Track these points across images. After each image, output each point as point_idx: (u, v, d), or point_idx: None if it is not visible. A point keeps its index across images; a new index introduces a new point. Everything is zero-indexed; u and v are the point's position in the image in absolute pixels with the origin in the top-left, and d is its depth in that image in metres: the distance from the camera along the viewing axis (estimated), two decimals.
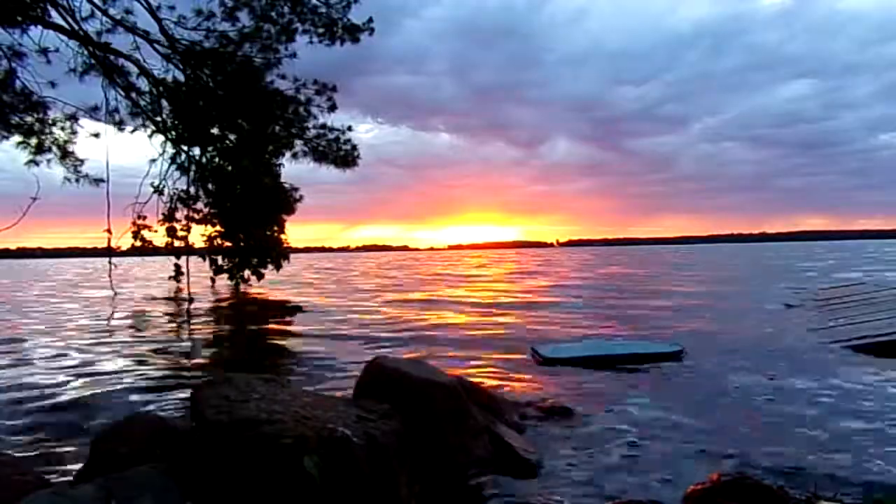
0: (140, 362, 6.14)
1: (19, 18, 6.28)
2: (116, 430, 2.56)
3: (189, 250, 8.17)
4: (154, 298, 15.35)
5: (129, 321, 10.41)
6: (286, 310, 12.22)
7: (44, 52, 6.74)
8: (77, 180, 7.52)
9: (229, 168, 8.05)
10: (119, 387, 4.97)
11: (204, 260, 9.33)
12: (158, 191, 7.68)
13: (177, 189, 8.01)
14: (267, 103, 7.66)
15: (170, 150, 7.82)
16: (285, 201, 9.21)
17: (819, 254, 41.76)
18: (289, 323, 10.14)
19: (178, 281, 8.16)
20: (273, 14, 7.36)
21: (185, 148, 7.90)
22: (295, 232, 10.82)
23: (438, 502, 2.52)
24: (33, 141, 7.20)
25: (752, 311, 9.42)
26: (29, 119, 7.14)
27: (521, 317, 9.73)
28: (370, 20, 7.58)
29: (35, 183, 6.18)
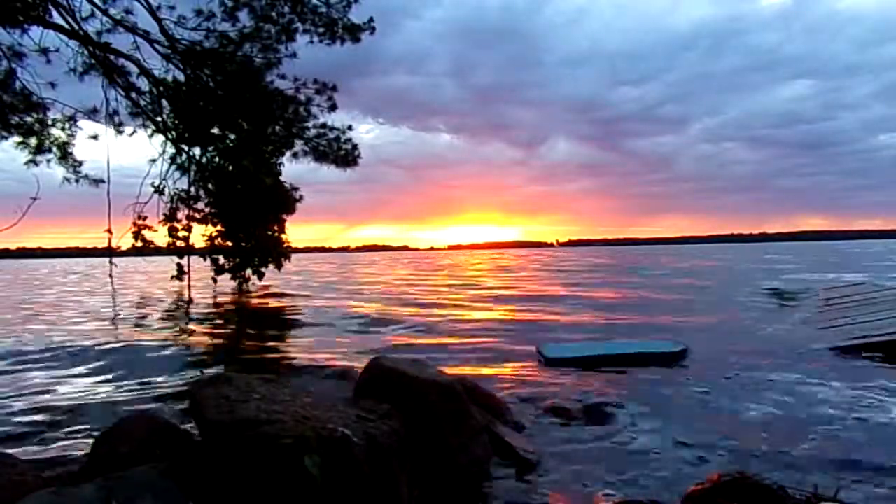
0: (140, 362, 6.14)
1: (19, 18, 6.28)
2: (116, 430, 2.56)
3: (190, 250, 8.18)
4: (155, 298, 15.36)
5: (128, 320, 10.41)
6: (287, 310, 12.22)
7: (44, 52, 6.75)
8: (77, 181, 7.53)
9: (230, 168, 8.05)
10: (119, 387, 4.97)
11: (205, 260, 9.34)
12: (159, 191, 7.69)
13: (177, 189, 8.02)
14: (267, 103, 7.67)
15: (170, 150, 7.83)
16: (286, 201, 9.23)
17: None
18: (289, 323, 10.14)
19: (181, 280, 8.17)
20: (273, 14, 7.36)
21: (186, 148, 7.91)
22: (295, 232, 10.84)
23: (438, 502, 2.52)
24: (33, 141, 7.21)
25: (751, 310, 9.43)
26: (29, 119, 7.14)
27: (522, 315, 9.74)
28: (370, 20, 7.59)
29: (35, 183, 6.18)
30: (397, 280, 22.96)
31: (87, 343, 7.54)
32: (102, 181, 7.42)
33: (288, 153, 8.55)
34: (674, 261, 36.63)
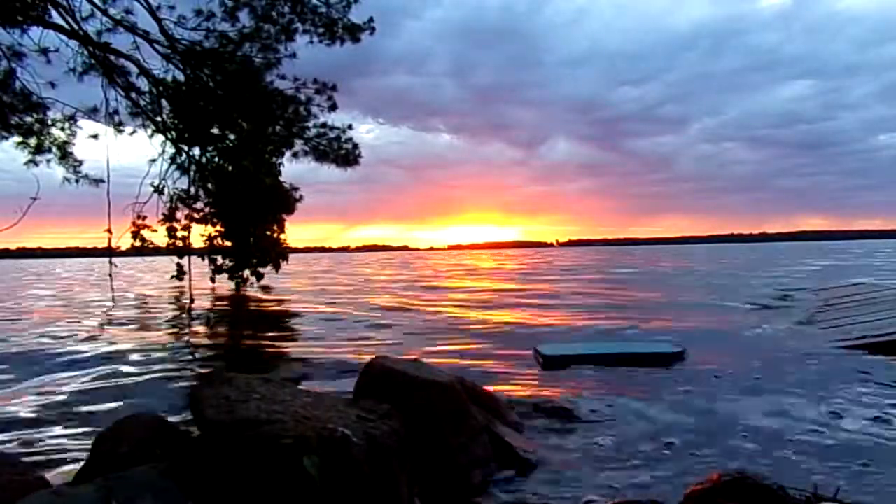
0: (140, 362, 6.14)
1: (19, 18, 6.29)
2: (116, 430, 2.56)
3: (189, 250, 8.19)
4: (154, 297, 15.36)
5: (128, 320, 10.41)
6: (286, 309, 12.22)
7: (44, 52, 6.75)
8: (77, 180, 7.55)
9: (229, 168, 8.06)
10: (119, 386, 4.97)
11: (203, 260, 9.35)
12: (158, 191, 7.71)
13: (177, 189, 8.04)
14: (267, 103, 7.68)
15: (170, 149, 7.85)
16: (285, 201, 9.24)
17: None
18: (289, 323, 10.14)
19: (181, 280, 8.18)
20: (273, 14, 7.37)
21: (185, 148, 7.92)
22: (295, 232, 10.91)
23: (438, 503, 2.52)
24: (33, 141, 7.22)
25: (750, 310, 9.42)
26: (29, 119, 7.16)
27: (521, 315, 9.73)
28: (370, 20, 7.60)
29: (35, 183, 6.20)
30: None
31: (85, 343, 7.54)
32: (102, 181, 7.45)
33: (288, 153, 8.57)
34: (672, 262, 36.64)
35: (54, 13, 6.53)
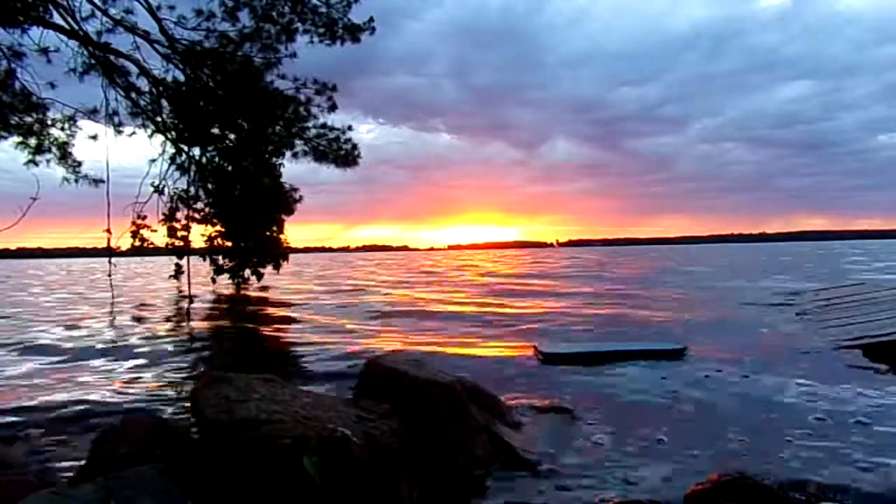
0: (140, 362, 6.14)
1: (19, 18, 6.29)
2: (116, 430, 2.56)
3: (189, 250, 8.17)
4: (153, 298, 15.36)
5: (127, 321, 10.41)
6: (286, 309, 12.21)
7: (44, 52, 6.75)
8: (76, 181, 7.54)
9: (229, 168, 8.05)
10: (119, 386, 4.97)
11: (204, 260, 9.34)
12: (158, 191, 7.70)
13: (177, 189, 8.03)
14: (267, 103, 7.66)
15: (170, 150, 7.84)
16: (285, 201, 9.22)
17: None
18: (289, 323, 10.13)
19: (179, 280, 8.17)
20: (273, 14, 7.37)
21: (185, 148, 7.91)
22: (295, 232, 10.86)
23: (438, 502, 2.52)
24: (33, 141, 7.22)
25: (752, 309, 9.42)
26: (29, 119, 7.15)
27: (522, 314, 9.73)
28: (371, 20, 7.59)
29: (35, 183, 6.18)
30: None
31: (85, 343, 7.53)
32: (102, 181, 7.44)
33: (288, 153, 8.56)
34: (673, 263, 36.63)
35: (54, 13, 6.52)
